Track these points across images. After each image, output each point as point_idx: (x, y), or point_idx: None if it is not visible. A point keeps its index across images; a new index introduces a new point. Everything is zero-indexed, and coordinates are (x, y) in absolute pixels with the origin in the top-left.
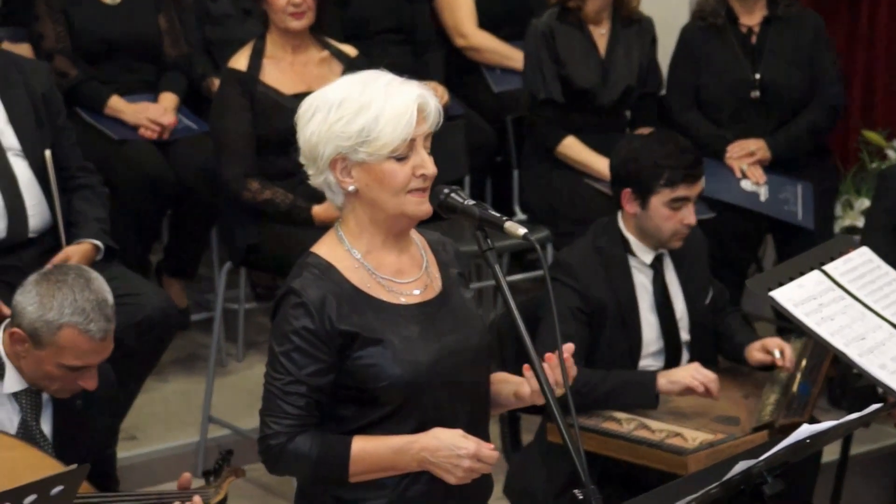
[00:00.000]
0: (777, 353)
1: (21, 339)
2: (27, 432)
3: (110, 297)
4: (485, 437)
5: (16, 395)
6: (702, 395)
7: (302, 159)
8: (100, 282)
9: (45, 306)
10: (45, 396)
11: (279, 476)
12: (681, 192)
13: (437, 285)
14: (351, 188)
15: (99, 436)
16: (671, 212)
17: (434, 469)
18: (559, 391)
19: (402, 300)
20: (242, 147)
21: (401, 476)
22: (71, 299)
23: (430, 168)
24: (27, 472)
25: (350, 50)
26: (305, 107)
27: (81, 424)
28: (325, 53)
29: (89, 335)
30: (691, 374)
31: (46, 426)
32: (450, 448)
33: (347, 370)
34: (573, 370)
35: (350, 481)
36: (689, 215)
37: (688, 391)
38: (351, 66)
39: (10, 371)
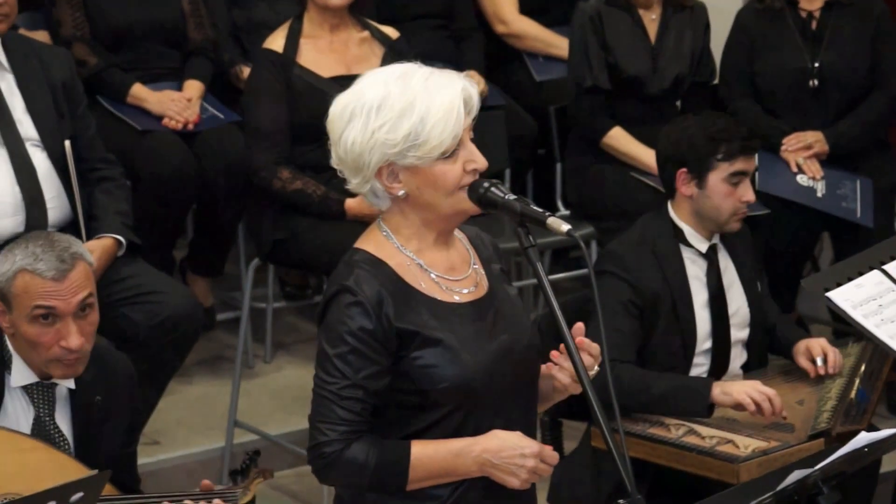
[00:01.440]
0: (819, 361)
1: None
2: (42, 429)
3: (76, 247)
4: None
5: (27, 390)
6: (752, 413)
7: (337, 165)
8: (64, 236)
9: (2, 263)
10: (60, 392)
11: (329, 485)
12: (739, 165)
13: (484, 283)
14: (401, 193)
15: (119, 433)
16: (730, 188)
17: (495, 472)
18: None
19: (456, 298)
20: (276, 133)
21: (448, 493)
22: (22, 247)
23: (481, 161)
24: (49, 476)
25: (391, 32)
26: (339, 109)
27: (101, 421)
28: (366, 34)
29: (38, 273)
30: (747, 390)
31: (64, 423)
32: (513, 448)
33: (403, 372)
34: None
35: (407, 489)
36: (747, 191)
37: (740, 407)
38: (392, 48)
39: (16, 363)
